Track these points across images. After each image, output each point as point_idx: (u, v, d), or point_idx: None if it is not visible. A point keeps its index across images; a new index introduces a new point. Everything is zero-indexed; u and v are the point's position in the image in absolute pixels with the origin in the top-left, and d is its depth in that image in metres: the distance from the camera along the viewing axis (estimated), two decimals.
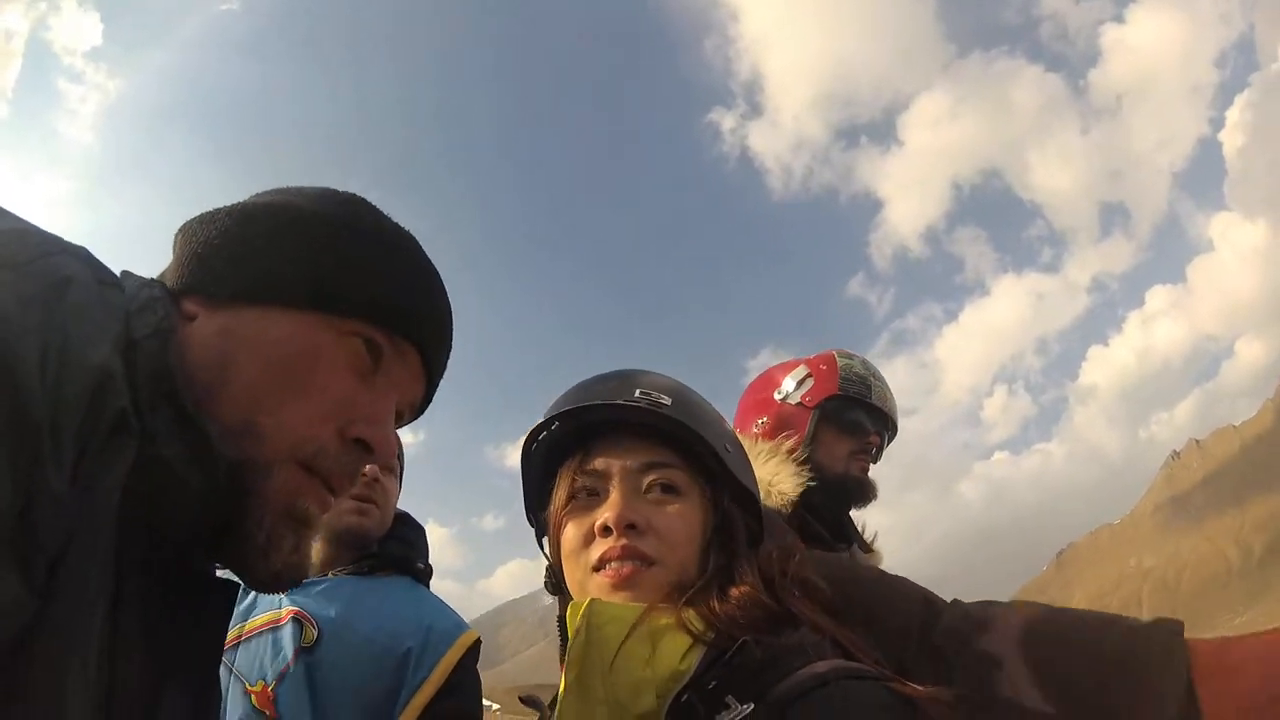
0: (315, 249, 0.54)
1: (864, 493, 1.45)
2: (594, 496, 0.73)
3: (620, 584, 0.68)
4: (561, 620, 0.73)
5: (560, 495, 0.75)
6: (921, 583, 0.78)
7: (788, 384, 1.49)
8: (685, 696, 0.59)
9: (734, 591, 0.66)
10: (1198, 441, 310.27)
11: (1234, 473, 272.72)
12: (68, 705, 0.39)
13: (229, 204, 0.58)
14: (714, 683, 0.59)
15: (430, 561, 1.35)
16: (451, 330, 0.63)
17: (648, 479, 0.72)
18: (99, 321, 0.43)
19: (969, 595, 0.75)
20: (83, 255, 0.46)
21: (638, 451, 0.73)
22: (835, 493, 1.39)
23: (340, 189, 0.60)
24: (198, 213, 0.57)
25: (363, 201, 0.60)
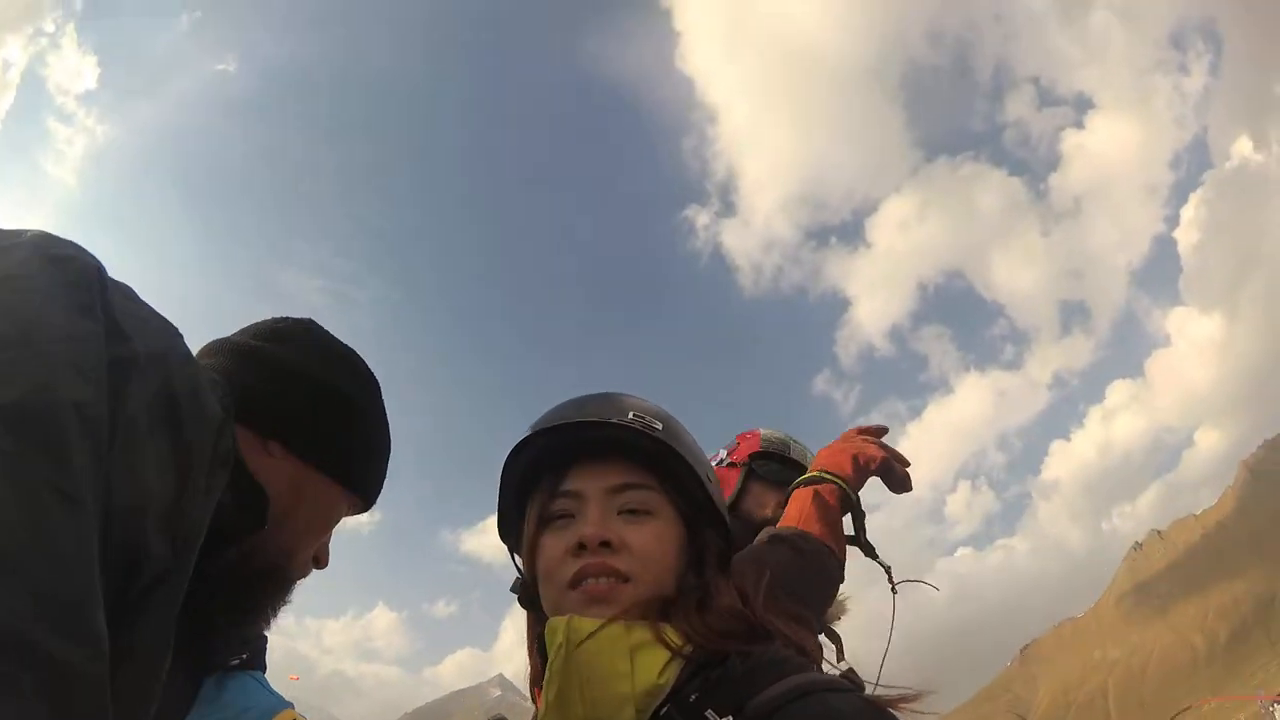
0: (360, 435, 0.82)
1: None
2: (568, 517, 0.74)
3: (596, 599, 0.69)
4: (540, 638, 0.72)
5: (534, 513, 0.77)
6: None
7: (721, 452, 1.74)
8: (664, 710, 0.60)
9: (714, 605, 0.68)
10: (1159, 532, 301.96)
11: (1196, 561, 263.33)
12: (166, 647, 0.57)
13: (263, 345, 0.81)
14: (694, 695, 0.59)
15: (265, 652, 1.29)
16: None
17: (623, 498, 0.74)
18: (206, 377, 0.64)
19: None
20: None
21: (615, 472, 0.74)
22: (756, 537, 1.47)
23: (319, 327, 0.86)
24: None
25: (365, 372, 0.87)
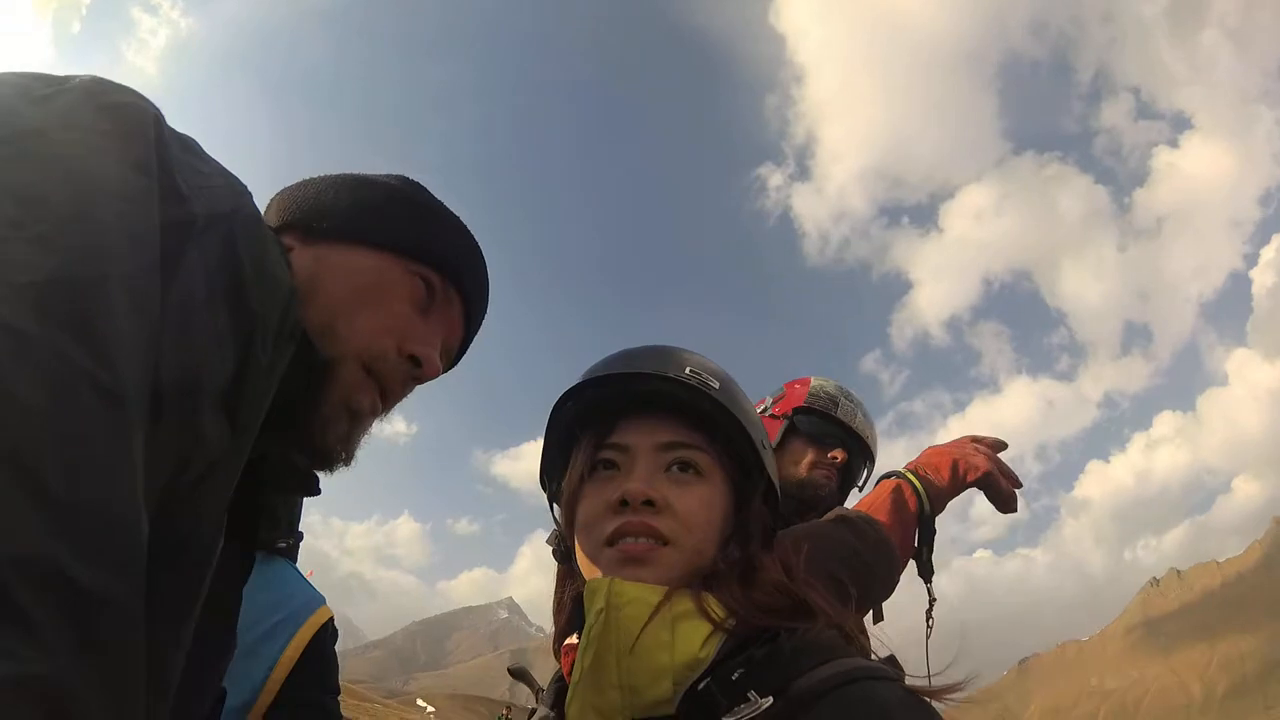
0: (392, 206, 0.73)
1: (813, 499, 1.49)
2: (614, 470, 0.70)
3: (632, 560, 0.65)
4: (576, 598, 0.70)
5: (580, 464, 0.72)
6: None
7: (766, 399, 1.63)
8: (703, 685, 0.57)
9: (759, 579, 0.65)
10: (1179, 572, 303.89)
11: (1210, 608, 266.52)
12: (220, 532, 0.55)
13: (326, 175, 0.75)
14: (737, 674, 0.56)
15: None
16: (488, 292, 0.79)
17: (672, 456, 0.69)
18: (274, 241, 0.58)
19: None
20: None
21: (666, 429, 0.70)
22: (788, 496, 1.38)
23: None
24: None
25: (425, 187, 0.79)
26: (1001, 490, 1.13)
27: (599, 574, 0.65)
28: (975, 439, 1.19)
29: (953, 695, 0.57)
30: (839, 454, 1.52)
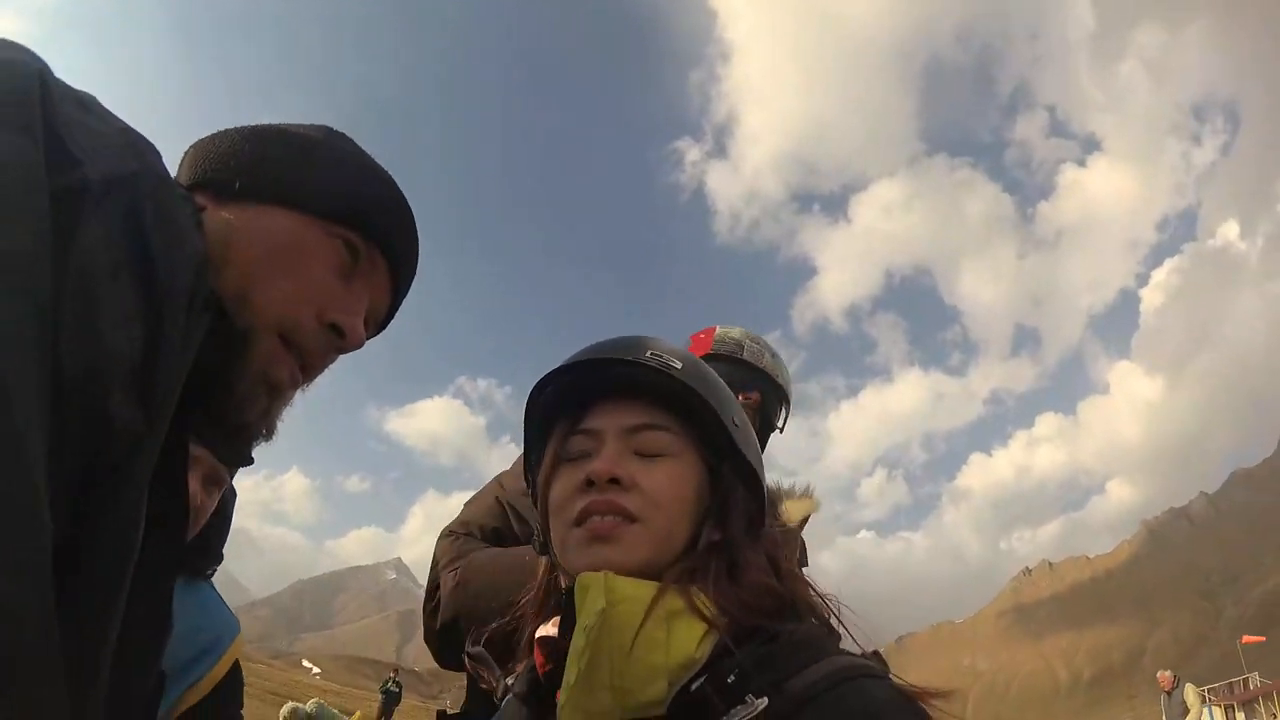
0: (310, 162, 0.66)
1: None
2: (585, 456, 0.70)
3: (598, 538, 0.65)
4: (564, 591, 0.67)
5: (551, 452, 0.72)
6: None
7: None
8: (696, 685, 0.56)
9: (747, 580, 0.63)
10: (1050, 563, 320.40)
11: (1079, 599, 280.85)
12: (139, 521, 0.50)
13: (238, 125, 0.68)
14: (732, 675, 0.55)
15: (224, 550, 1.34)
16: (417, 254, 0.73)
17: (640, 438, 0.69)
18: (183, 206, 0.53)
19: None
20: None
21: (634, 413, 0.70)
22: None
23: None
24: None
25: (350, 138, 0.71)
26: None
27: (572, 559, 0.65)
28: None
29: (935, 700, 0.56)
30: (753, 396, 1.51)
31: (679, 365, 0.70)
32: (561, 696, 0.59)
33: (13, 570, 0.36)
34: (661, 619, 0.58)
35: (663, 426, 0.70)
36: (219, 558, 1.33)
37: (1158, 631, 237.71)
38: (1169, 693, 10.11)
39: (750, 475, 0.72)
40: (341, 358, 0.67)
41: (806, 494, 1.39)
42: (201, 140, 0.67)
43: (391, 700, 18.19)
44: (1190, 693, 10.03)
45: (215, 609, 1.29)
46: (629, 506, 0.65)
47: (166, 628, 0.61)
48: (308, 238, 0.63)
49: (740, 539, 0.67)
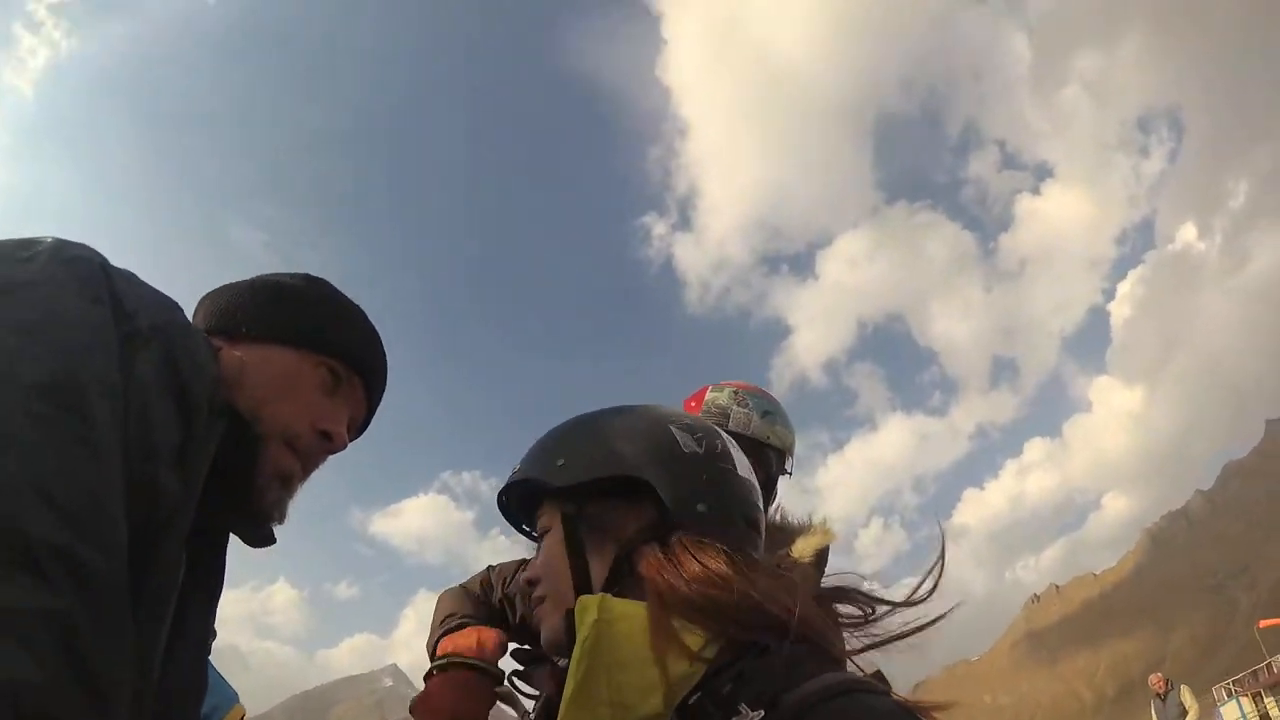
0: (299, 307, 0.88)
1: None
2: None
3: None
4: (567, 615, 0.71)
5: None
6: None
7: None
8: (694, 699, 0.58)
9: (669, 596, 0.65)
10: (1058, 586, 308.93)
11: (1091, 617, 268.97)
12: (180, 562, 0.70)
13: (244, 279, 0.92)
14: (727, 688, 0.57)
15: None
16: (385, 372, 0.96)
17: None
18: (203, 344, 0.76)
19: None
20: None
21: (548, 512, 0.78)
22: None
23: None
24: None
25: (328, 282, 0.95)
26: None
27: None
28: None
29: (938, 715, 0.57)
30: None
31: (518, 466, 0.80)
32: (560, 712, 0.61)
33: (104, 549, 0.54)
34: (658, 635, 0.61)
35: (544, 512, 0.78)
36: (213, 633, 1.32)
37: (1174, 636, 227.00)
38: (1161, 696, 9.23)
39: (627, 487, 0.73)
40: (326, 464, 0.88)
41: (815, 528, 1.28)
42: (212, 292, 0.90)
43: None
44: (1186, 693, 9.10)
45: (212, 680, 1.26)
46: (540, 594, 0.75)
47: (203, 684, 0.80)
48: (301, 368, 0.85)
49: (635, 543, 0.70)
